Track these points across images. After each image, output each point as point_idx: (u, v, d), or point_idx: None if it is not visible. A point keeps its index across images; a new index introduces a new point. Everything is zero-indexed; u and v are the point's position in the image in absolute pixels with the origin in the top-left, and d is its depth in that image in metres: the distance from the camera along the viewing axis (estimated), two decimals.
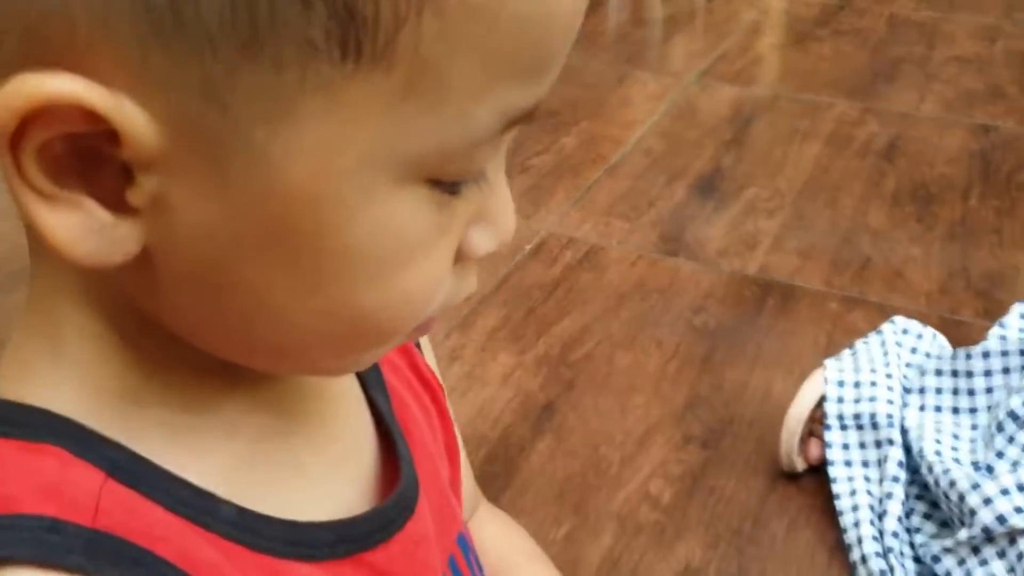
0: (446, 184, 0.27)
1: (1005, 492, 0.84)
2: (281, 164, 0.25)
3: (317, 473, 0.34)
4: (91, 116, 0.24)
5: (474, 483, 0.60)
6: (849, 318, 1.31)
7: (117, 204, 0.25)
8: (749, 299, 1.36)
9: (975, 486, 0.85)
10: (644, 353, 1.24)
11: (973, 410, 0.96)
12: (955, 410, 0.97)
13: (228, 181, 0.25)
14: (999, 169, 1.74)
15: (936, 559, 0.88)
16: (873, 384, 1.00)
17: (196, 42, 0.23)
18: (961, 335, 1.18)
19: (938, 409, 0.98)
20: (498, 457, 1.06)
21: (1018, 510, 0.82)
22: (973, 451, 0.92)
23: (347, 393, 0.38)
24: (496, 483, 1.03)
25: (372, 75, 0.24)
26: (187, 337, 0.29)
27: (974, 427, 0.95)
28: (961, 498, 0.86)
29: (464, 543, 0.47)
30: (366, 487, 0.36)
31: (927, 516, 0.93)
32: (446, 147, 0.26)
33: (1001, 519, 0.82)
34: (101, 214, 0.25)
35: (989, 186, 1.68)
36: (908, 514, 0.94)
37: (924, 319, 1.18)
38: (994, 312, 1.32)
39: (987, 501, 0.84)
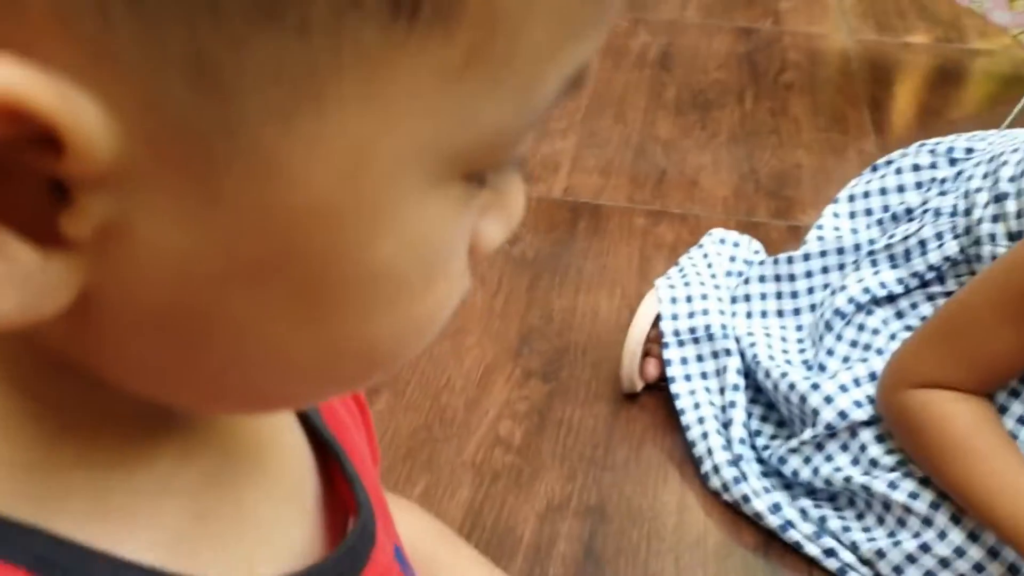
0: (476, 175, 0.20)
1: (844, 389, 0.87)
2: (294, 169, 0.17)
3: (269, 517, 0.28)
4: (13, 112, 0.16)
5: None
6: (657, 231, 1.33)
7: (45, 237, 0.17)
8: (561, 223, 1.34)
9: (815, 386, 0.88)
10: (469, 292, 1.19)
11: (797, 311, 1.00)
12: (780, 313, 1.00)
13: (216, 197, 0.17)
14: (767, 71, 1.81)
15: (782, 460, 0.92)
16: (704, 297, 1.01)
17: (187, 2, 0.15)
18: (760, 236, 1.22)
19: (764, 314, 1.00)
20: None
21: (857, 404, 0.86)
22: (802, 351, 0.96)
23: (281, 416, 0.30)
24: None
25: (428, 42, 0.17)
26: (134, 388, 0.21)
27: (799, 328, 0.99)
28: (802, 399, 0.89)
29: (401, 557, 0.42)
30: (318, 521, 0.30)
31: (764, 419, 0.97)
32: (504, 130, 0.19)
33: (843, 415, 0.86)
34: (22, 253, 0.17)
35: (761, 88, 1.75)
36: (747, 418, 0.97)
37: (724, 224, 1.22)
38: (785, 211, 1.39)
39: (828, 400, 0.87)
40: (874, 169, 1.03)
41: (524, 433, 0.99)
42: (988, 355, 0.76)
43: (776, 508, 0.88)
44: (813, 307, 0.99)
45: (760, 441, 0.95)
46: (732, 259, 1.08)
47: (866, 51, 1.90)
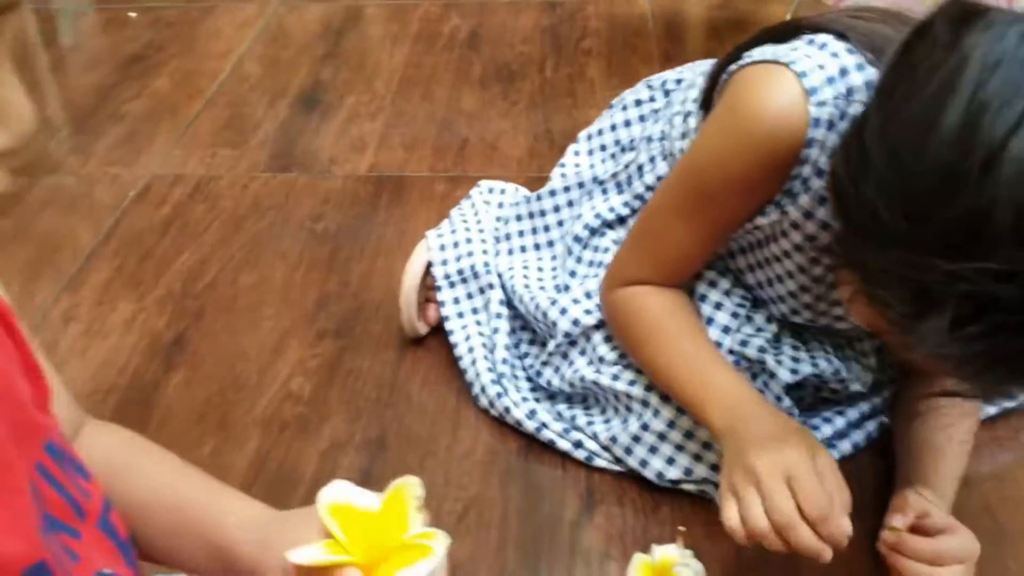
0: None
1: (576, 301, 0.97)
2: None
3: None
4: None
5: (73, 404, 0.61)
6: (455, 195, 1.41)
7: None
8: (364, 197, 1.42)
9: (553, 302, 0.98)
10: (269, 268, 1.27)
11: (551, 243, 1.09)
12: (536, 247, 1.10)
13: None
14: (568, 40, 1.92)
15: (539, 373, 1.01)
16: (468, 241, 1.10)
17: None
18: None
19: (523, 249, 1.10)
20: (132, 401, 1.05)
21: (587, 312, 0.96)
22: (555, 278, 1.05)
23: None
24: (135, 426, 1.02)
25: None
26: None
27: (554, 258, 1.08)
28: (545, 316, 0.99)
29: (55, 450, 0.48)
30: None
31: (532, 341, 1.06)
32: None
33: (576, 322, 0.96)
34: None
35: (561, 57, 1.86)
36: (517, 344, 1.06)
37: (517, 180, 1.31)
38: None
39: (563, 311, 0.97)
40: (610, 108, 1.13)
41: (314, 386, 1.07)
42: (670, 250, 0.86)
43: (532, 414, 0.98)
44: (563, 238, 1.08)
45: (528, 361, 1.04)
46: (500, 205, 1.18)
47: (663, 12, 2.03)
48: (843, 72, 0.74)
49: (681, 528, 0.85)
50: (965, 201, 0.55)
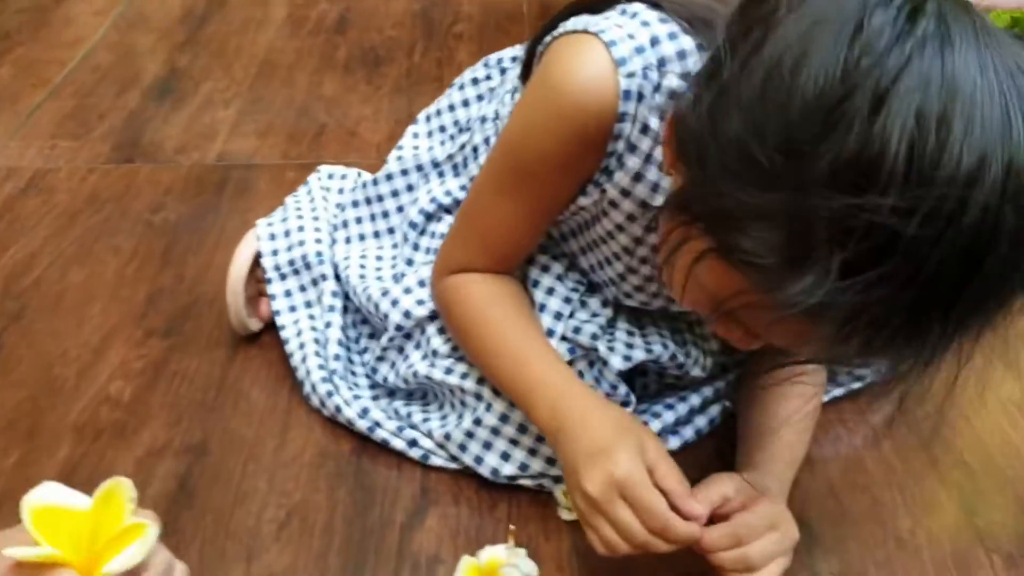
0: None
1: (408, 291, 0.92)
2: None
3: None
4: None
5: None
6: None
7: None
8: (209, 187, 1.35)
9: (384, 293, 0.93)
10: (100, 263, 1.18)
11: (391, 230, 1.04)
12: (376, 234, 1.04)
13: None
14: (440, 25, 1.87)
15: (375, 370, 0.96)
16: (301, 229, 1.04)
17: None
18: None
19: (361, 237, 1.04)
20: None
21: (420, 302, 0.91)
22: (394, 267, 1.00)
23: None
24: None
25: None
26: None
27: (395, 246, 1.03)
28: (376, 307, 0.93)
29: None
30: None
31: (372, 336, 1.00)
32: None
33: (407, 314, 0.91)
34: None
35: (431, 41, 1.80)
36: (358, 338, 1.01)
37: (374, 167, 1.25)
38: None
39: (395, 302, 0.92)
40: (450, 88, 1.08)
41: (135, 389, 0.99)
42: (496, 233, 0.82)
43: (364, 413, 0.92)
44: (403, 224, 1.03)
45: (367, 356, 0.99)
46: (341, 192, 1.12)
47: None
48: (654, 42, 0.70)
49: (511, 527, 0.81)
50: (855, 137, 0.49)
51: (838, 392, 0.98)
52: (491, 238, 0.83)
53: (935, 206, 0.49)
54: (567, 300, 0.86)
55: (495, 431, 0.85)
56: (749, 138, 0.53)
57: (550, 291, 0.86)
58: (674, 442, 0.92)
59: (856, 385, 0.98)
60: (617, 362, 0.85)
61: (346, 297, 1.00)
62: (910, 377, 0.57)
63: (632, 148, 0.72)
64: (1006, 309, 0.55)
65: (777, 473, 0.81)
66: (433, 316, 0.90)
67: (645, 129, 0.71)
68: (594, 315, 0.87)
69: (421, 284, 0.92)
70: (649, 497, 0.69)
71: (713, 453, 0.93)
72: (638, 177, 0.73)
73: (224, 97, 1.59)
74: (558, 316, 0.85)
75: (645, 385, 0.96)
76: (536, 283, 0.87)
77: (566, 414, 0.75)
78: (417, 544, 0.83)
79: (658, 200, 0.75)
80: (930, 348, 0.55)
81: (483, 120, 0.95)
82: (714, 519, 0.73)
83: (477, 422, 0.86)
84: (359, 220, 1.04)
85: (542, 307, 0.86)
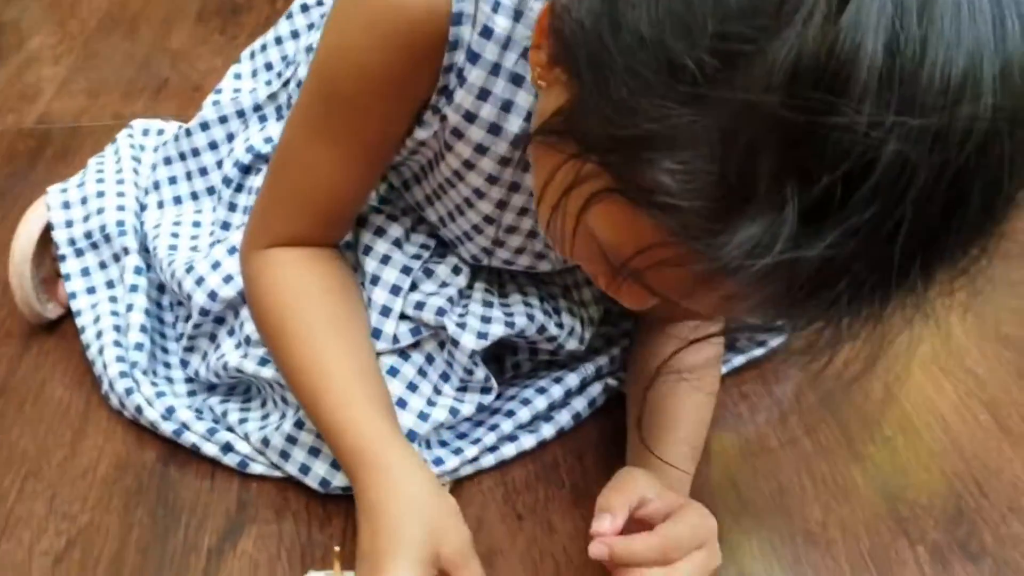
0: None
1: (216, 265, 0.75)
2: None
3: None
4: None
5: None
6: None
7: None
8: (24, 153, 1.15)
9: (189, 269, 0.76)
10: None
11: (210, 190, 0.87)
12: (194, 196, 0.87)
13: None
14: None
15: (185, 363, 0.79)
16: (100, 195, 0.86)
17: None
18: None
19: (177, 201, 0.87)
20: None
21: (227, 279, 0.74)
22: (212, 233, 0.83)
23: None
24: None
25: None
26: None
27: (215, 209, 0.86)
28: (180, 286, 0.77)
29: None
30: None
31: (189, 318, 0.84)
32: None
33: (213, 295, 0.74)
34: None
35: None
36: (175, 322, 0.84)
37: None
38: None
39: (199, 281, 0.75)
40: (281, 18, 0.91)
41: None
42: (315, 185, 0.65)
43: (170, 413, 0.76)
44: (240, 187, 0.86)
45: (185, 342, 0.82)
46: (156, 149, 0.94)
47: None
48: None
49: (337, 548, 0.66)
50: (816, 31, 0.35)
51: (739, 361, 0.85)
52: (311, 194, 0.66)
53: (923, 122, 0.35)
54: (406, 270, 0.70)
55: (321, 436, 0.69)
56: (667, 35, 0.38)
57: (385, 260, 0.70)
58: (549, 429, 0.77)
59: (758, 352, 0.85)
60: (470, 341, 0.69)
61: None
62: (830, 341, 0.43)
63: (474, 58, 0.56)
64: (983, 251, 0.42)
65: (680, 460, 0.67)
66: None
67: (488, 32, 0.56)
68: (443, 285, 0.72)
69: (232, 252, 0.75)
70: None
71: (596, 439, 0.79)
72: (484, 94, 0.58)
73: (54, 53, 1.39)
74: (395, 290, 0.69)
75: (516, 364, 0.81)
76: (369, 250, 0.71)
77: (365, 484, 0.59)
78: (227, 573, 0.67)
79: (513, 124, 0.60)
80: (894, 305, 0.41)
81: (308, 50, 0.79)
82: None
83: (300, 425, 0.70)
84: (172, 180, 0.87)
85: (375, 279, 0.70)
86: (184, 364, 0.79)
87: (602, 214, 0.44)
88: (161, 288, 0.84)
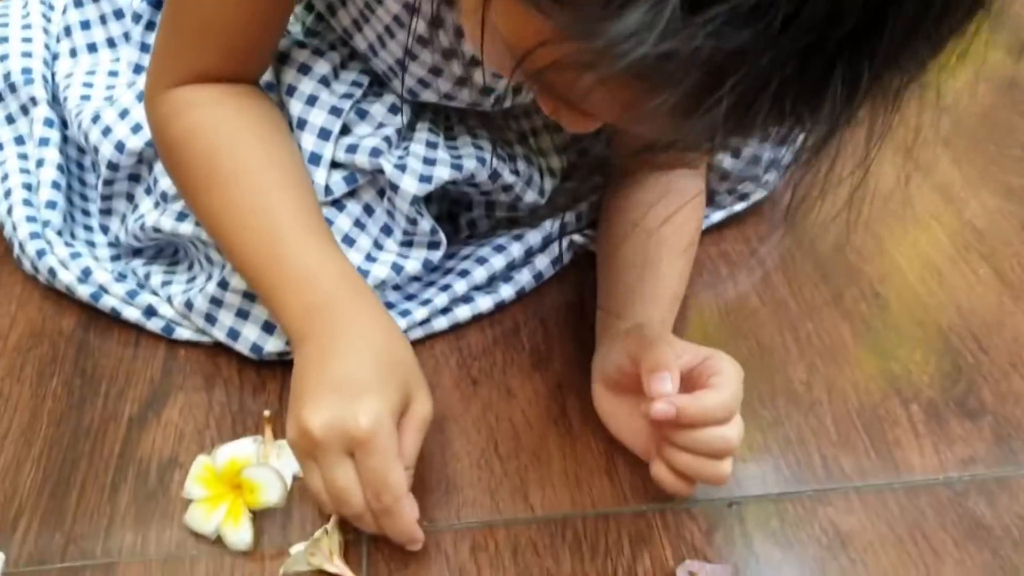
0: None
1: (124, 114, 0.67)
2: None
3: None
4: None
5: None
6: None
7: None
8: None
9: (96, 118, 0.68)
10: None
11: (127, 35, 0.78)
12: (110, 42, 0.78)
13: None
14: None
15: (105, 228, 0.72)
16: (4, 40, 0.77)
17: None
18: None
19: (92, 48, 0.78)
20: None
21: (137, 129, 0.66)
22: (132, 84, 0.74)
23: None
24: None
25: None
26: None
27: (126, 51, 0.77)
28: (87, 138, 0.68)
29: None
30: None
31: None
32: None
33: (120, 146, 0.66)
34: None
35: None
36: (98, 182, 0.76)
37: None
38: None
39: (106, 131, 0.67)
40: None
41: None
42: (222, 10, 0.56)
43: (86, 275, 0.68)
44: (152, 24, 0.76)
45: (100, 205, 0.74)
46: None
47: None
48: None
49: (267, 412, 0.59)
50: None
51: (718, 216, 0.77)
52: (215, 21, 0.57)
53: None
54: (336, 112, 0.62)
55: (249, 295, 0.62)
56: None
57: (312, 101, 0.62)
58: (508, 290, 0.70)
59: (739, 207, 0.78)
60: (411, 185, 0.62)
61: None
62: (804, 171, 0.38)
63: None
64: (936, 49, 0.34)
65: (660, 323, 0.61)
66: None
67: None
68: (380, 125, 0.63)
69: (143, 100, 0.66)
70: (384, 468, 0.49)
71: (561, 302, 0.72)
72: None
73: None
74: (325, 135, 0.61)
75: (472, 223, 0.74)
76: (293, 90, 0.62)
77: (322, 327, 0.53)
78: (148, 444, 0.61)
79: None
80: (829, 115, 0.35)
81: None
82: None
83: (224, 285, 0.62)
84: (85, 25, 0.78)
85: (302, 123, 0.61)
86: (105, 230, 0.72)
87: (502, 12, 0.39)
88: (81, 149, 0.76)
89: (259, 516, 0.56)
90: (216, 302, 0.63)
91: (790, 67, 0.32)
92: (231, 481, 0.56)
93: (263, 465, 0.56)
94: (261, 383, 0.65)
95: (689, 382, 0.54)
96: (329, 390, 0.50)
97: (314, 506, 0.57)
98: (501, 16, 0.39)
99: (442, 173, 0.63)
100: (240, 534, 0.55)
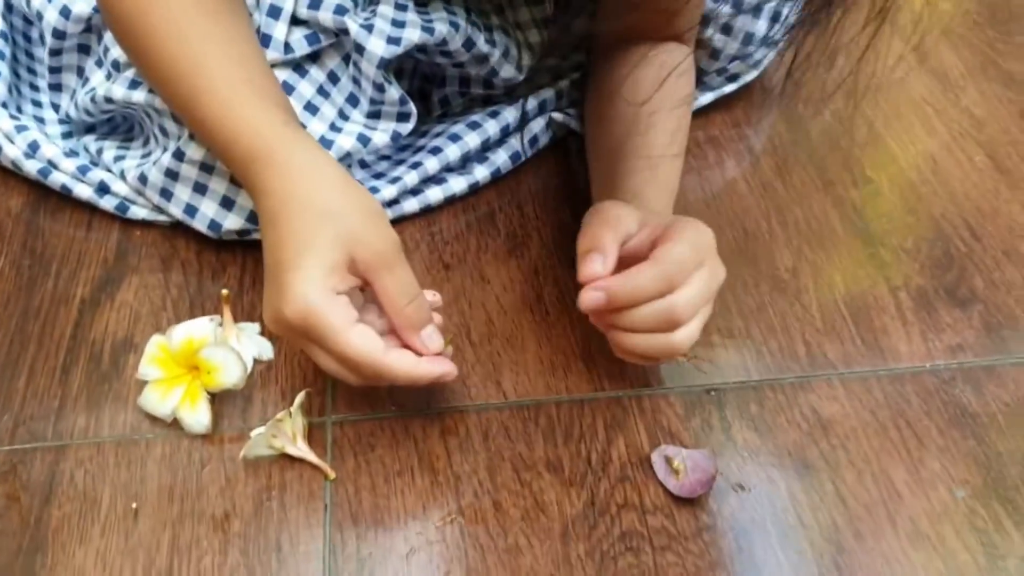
0: None
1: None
2: None
3: None
4: None
5: None
6: None
7: None
8: None
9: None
10: None
11: None
12: None
13: None
14: None
15: (56, 106, 0.67)
16: None
17: None
18: None
19: None
20: None
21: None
22: None
23: None
24: None
25: None
26: None
27: None
28: (28, 3, 0.64)
29: None
30: None
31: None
32: None
33: (65, 12, 0.62)
34: None
35: None
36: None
37: None
38: None
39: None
40: None
41: None
42: None
43: (34, 149, 0.64)
44: None
45: (49, 79, 0.69)
46: None
47: None
48: None
49: (225, 291, 0.56)
50: None
51: (707, 98, 0.73)
52: None
53: None
54: None
55: (207, 167, 0.58)
56: None
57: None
58: (483, 171, 0.67)
59: (729, 88, 0.74)
60: (378, 47, 0.57)
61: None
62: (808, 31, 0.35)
63: None
64: None
65: (659, 202, 0.57)
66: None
67: None
68: None
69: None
70: (343, 347, 0.45)
71: (539, 185, 0.68)
72: None
73: None
74: None
75: (445, 99, 0.69)
76: None
77: (264, 191, 0.48)
78: (101, 326, 0.58)
79: None
80: None
81: None
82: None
83: (179, 155, 0.58)
84: None
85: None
86: (56, 108, 0.67)
87: None
88: (27, 20, 0.71)
89: (218, 399, 0.53)
90: (172, 175, 0.59)
91: None
92: (188, 362, 0.53)
93: (221, 345, 0.53)
94: (221, 266, 0.62)
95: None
96: (269, 279, 0.47)
97: (276, 389, 0.55)
98: None
99: (412, 35, 0.58)
100: (197, 416, 0.52)
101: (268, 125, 0.49)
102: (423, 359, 0.48)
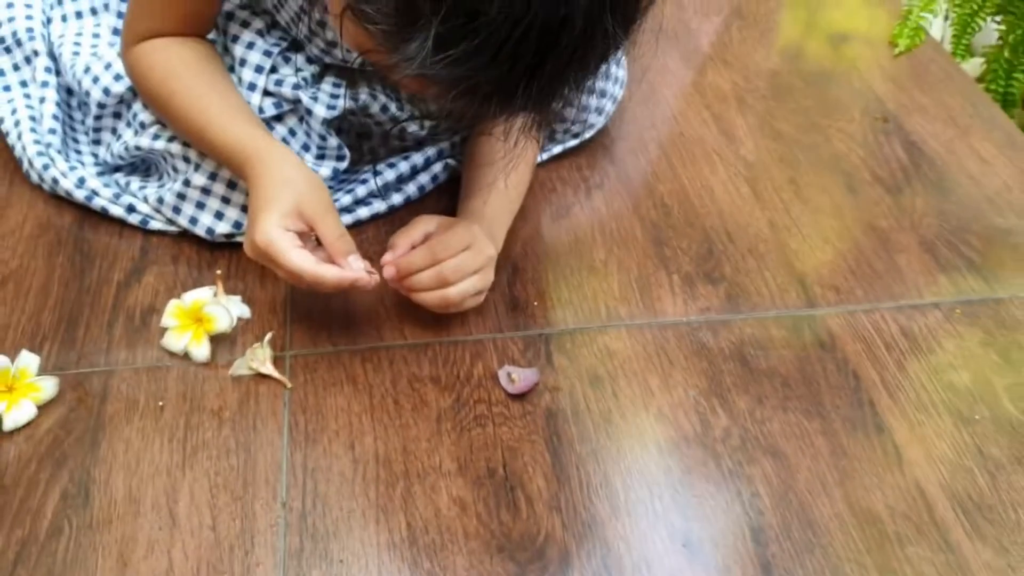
0: None
1: (108, 66, 0.91)
2: None
3: None
4: None
5: None
6: None
7: None
8: None
9: (87, 70, 0.92)
10: None
11: (107, 5, 1.01)
12: (94, 11, 1.01)
13: None
14: None
15: (95, 155, 0.96)
16: (10, 6, 1.00)
17: None
18: None
19: (79, 15, 1.01)
20: None
21: (118, 78, 0.90)
22: (112, 44, 0.98)
23: None
24: None
25: None
26: None
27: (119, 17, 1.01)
28: (80, 85, 0.92)
29: None
30: None
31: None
32: None
33: (107, 91, 0.91)
34: None
35: None
36: (84, 119, 0.99)
37: None
38: None
39: (96, 80, 0.91)
40: None
41: None
42: None
43: (81, 182, 0.92)
44: None
45: (91, 136, 0.97)
46: None
47: None
48: None
49: (218, 272, 0.84)
50: None
51: (557, 149, 1.04)
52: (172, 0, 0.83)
53: None
54: (268, 53, 0.87)
55: (205, 191, 0.87)
56: None
57: (250, 46, 0.87)
58: (398, 198, 0.96)
59: (572, 143, 1.04)
60: (321, 110, 0.87)
61: (62, 76, 0.98)
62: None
63: None
64: (585, 76, 0.58)
65: (495, 220, 0.87)
66: (136, 90, 0.90)
67: None
68: (298, 70, 0.88)
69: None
70: (287, 262, 0.73)
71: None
72: None
73: None
74: (259, 69, 0.86)
75: (372, 149, 0.99)
76: (236, 38, 0.87)
77: (251, 175, 0.78)
78: (133, 298, 0.86)
79: None
80: (519, 110, 0.59)
81: None
82: None
83: (187, 183, 0.87)
84: None
85: (243, 61, 0.86)
86: (94, 156, 0.96)
87: (347, 24, 0.60)
88: (70, 92, 0.99)
89: (214, 339, 0.81)
90: (181, 196, 0.88)
91: (493, 83, 0.55)
92: (194, 315, 0.81)
93: (217, 303, 0.81)
94: (214, 260, 0.90)
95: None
96: (248, 222, 0.77)
97: (251, 335, 0.82)
98: (347, 26, 0.61)
99: (343, 103, 0.88)
100: (201, 350, 0.80)
101: (251, 139, 0.79)
102: (345, 270, 0.76)
